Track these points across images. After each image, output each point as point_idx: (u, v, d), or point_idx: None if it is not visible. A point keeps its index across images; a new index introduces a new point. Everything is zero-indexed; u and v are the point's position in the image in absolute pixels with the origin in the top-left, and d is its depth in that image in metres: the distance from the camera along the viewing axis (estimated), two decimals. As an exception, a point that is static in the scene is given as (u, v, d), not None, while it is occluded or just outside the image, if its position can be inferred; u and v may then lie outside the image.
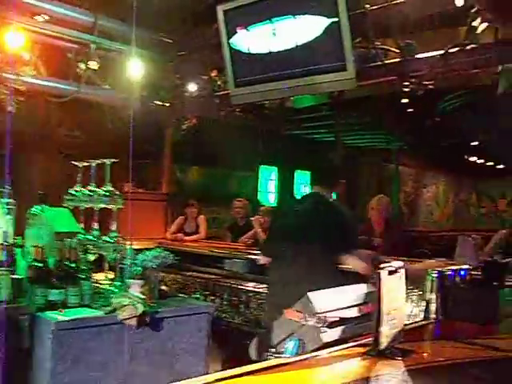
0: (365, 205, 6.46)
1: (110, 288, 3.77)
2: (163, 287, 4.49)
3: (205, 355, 3.94)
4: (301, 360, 2.28)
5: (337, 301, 2.60)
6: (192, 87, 7.52)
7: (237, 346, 4.46)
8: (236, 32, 6.31)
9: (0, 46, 5.82)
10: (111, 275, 3.93)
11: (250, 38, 6.27)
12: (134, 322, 3.40)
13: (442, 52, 5.22)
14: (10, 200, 3.81)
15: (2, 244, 3.34)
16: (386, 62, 5.56)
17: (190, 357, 3.84)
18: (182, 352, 3.80)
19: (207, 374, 2.07)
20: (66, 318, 3.33)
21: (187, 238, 7.43)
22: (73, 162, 4.25)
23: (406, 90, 5.84)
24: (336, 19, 5.39)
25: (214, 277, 6.10)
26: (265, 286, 4.89)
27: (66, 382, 3.28)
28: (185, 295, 5.31)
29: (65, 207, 4.12)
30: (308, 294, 2.48)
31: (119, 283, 3.79)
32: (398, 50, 5.49)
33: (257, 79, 6.43)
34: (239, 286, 5.62)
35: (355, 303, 2.64)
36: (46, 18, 6.13)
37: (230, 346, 5.01)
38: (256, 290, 5.44)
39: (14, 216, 3.80)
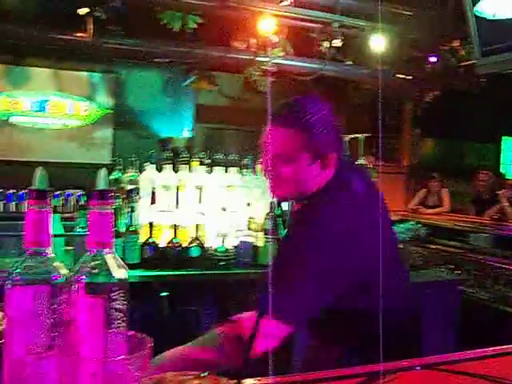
0: None
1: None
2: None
3: (454, 330, 3.93)
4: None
5: None
6: (433, 59, 7.38)
7: (485, 324, 4.37)
8: (481, -3, 6.05)
9: (253, 33, 6.27)
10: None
11: (496, 2, 5.97)
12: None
13: None
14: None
15: (269, 213, 3.65)
16: None
17: (438, 331, 3.86)
18: (431, 326, 3.83)
19: (456, 351, 2.04)
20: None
21: (430, 210, 7.37)
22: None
23: None
24: None
25: (459, 251, 6.00)
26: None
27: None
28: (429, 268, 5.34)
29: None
30: None
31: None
32: None
33: (505, 47, 6.10)
34: (487, 262, 5.48)
35: None
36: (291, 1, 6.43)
37: (478, 323, 4.92)
38: (505, 266, 5.26)
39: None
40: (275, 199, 3.71)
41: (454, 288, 4.27)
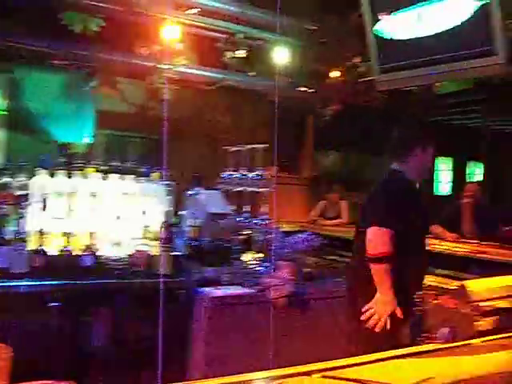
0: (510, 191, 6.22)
1: (259, 268, 3.91)
2: (308, 269, 4.62)
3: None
4: (453, 347, 2.28)
5: (492, 290, 2.56)
6: (335, 74, 7.56)
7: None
8: (380, 19, 6.26)
9: (157, 40, 6.19)
10: (260, 256, 4.08)
11: (395, 24, 6.19)
12: (282, 301, 3.53)
13: None
14: (170, 182, 4.06)
15: (164, 222, 3.59)
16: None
17: (335, 338, 3.91)
18: (329, 333, 3.88)
19: (354, 356, 2.10)
20: (220, 294, 3.53)
21: (329, 222, 7.48)
22: (224, 147, 4.43)
23: None
24: (487, 0, 5.18)
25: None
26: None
27: (217, 352, 3.48)
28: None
29: (217, 189, 4.32)
30: (464, 282, 2.47)
31: (268, 264, 3.93)
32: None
33: (402, 65, 6.34)
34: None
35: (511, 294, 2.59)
36: (198, 10, 6.41)
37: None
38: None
39: (173, 197, 4.06)
40: (170, 208, 3.67)
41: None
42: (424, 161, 3.20)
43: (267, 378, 1.73)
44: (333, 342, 3.82)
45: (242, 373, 1.72)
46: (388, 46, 6.34)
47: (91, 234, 3.53)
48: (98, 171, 3.83)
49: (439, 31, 5.72)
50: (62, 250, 3.44)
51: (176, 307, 3.58)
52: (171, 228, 3.63)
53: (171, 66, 6.28)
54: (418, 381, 1.69)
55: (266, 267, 3.89)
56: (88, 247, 3.49)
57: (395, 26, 6.18)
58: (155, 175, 3.95)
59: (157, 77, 6.38)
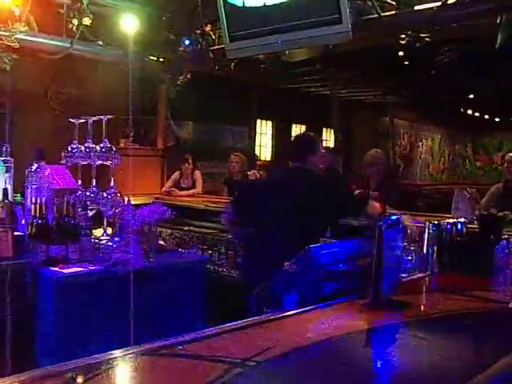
0: (360, 159, 6.49)
1: (109, 244, 3.80)
2: (161, 242, 4.56)
3: (203, 309, 4.02)
4: (300, 313, 2.33)
5: (336, 254, 2.64)
6: (186, 42, 7.43)
7: (235, 300, 4.51)
8: (230, -15, 6.21)
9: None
10: (110, 231, 3.97)
11: (245, -10, 6.18)
12: (133, 276, 3.45)
13: (439, 3, 5.15)
14: (8, 158, 3.82)
15: (2, 202, 3.36)
16: (383, 14, 5.49)
17: (188, 311, 3.91)
18: (181, 306, 3.87)
19: (206, 327, 2.09)
20: (67, 273, 3.38)
21: (183, 192, 7.46)
22: (70, 120, 4.23)
23: (403, 42, 5.79)
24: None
25: (210, 231, 6.16)
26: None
27: (67, 334, 3.36)
28: (182, 249, 5.39)
29: (63, 164, 4.13)
30: (308, 246, 2.53)
31: (118, 239, 3.83)
32: (394, 2, 5.42)
33: (252, 33, 6.34)
34: (235, 240, 5.67)
35: (355, 256, 2.69)
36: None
37: (228, 300, 5.08)
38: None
39: (12, 174, 3.82)
40: (8, 186, 3.44)
41: (203, 267, 4.37)
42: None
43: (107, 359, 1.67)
44: (187, 316, 3.84)
45: (95, 353, 1.66)
46: (238, 13, 6.32)
47: None
48: None
49: (288, -1, 5.78)
50: None
51: (22, 289, 3.41)
52: (12, 206, 3.42)
53: (9, 33, 5.86)
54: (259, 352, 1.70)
55: (117, 242, 3.79)
56: None
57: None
58: None
59: (-6, 45, 5.93)
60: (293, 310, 2.39)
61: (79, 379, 1.55)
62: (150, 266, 3.65)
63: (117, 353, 1.69)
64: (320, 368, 1.70)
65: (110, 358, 1.66)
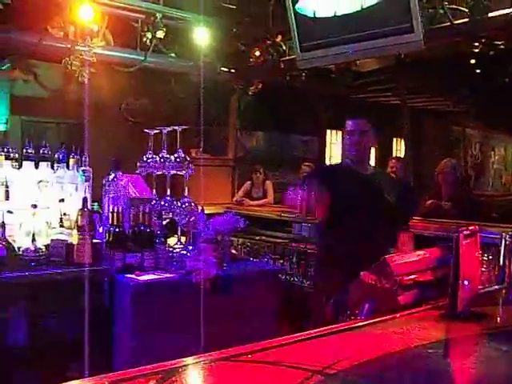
0: (432, 169, 6.36)
1: (183, 252, 3.86)
2: (233, 251, 4.60)
3: (275, 317, 4.02)
4: (376, 322, 2.30)
5: (413, 264, 2.60)
6: (257, 53, 7.50)
7: (306, 309, 4.51)
8: (301, -4, 6.25)
9: (72, 20, 5.97)
10: (184, 239, 4.03)
11: (316, 1, 6.20)
12: (207, 284, 3.50)
13: (514, 10, 5.00)
14: (87, 168, 3.95)
15: (82, 210, 3.48)
16: (455, 22, 5.38)
17: (261, 319, 3.93)
18: (253, 314, 3.88)
19: (279, 336, 2.10)
20: (143, 280, 3.46)
21: (254, 202, 7.51)
22: (144, 130, 4.33)
23: (476, 50, 5.66)
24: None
25: (282, 241, 6.17)
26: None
27: (143, 340, 3.43)
28: (253, 259, 5.43)
29: (138, 174, 4.23)
30: (384, 257, 2.50)
31: (192, 247, 3.88)
32: (467, 10, 5.30)
33: (322, 43, 6.35)
34: (308, 250, 5.66)
35: (431, 266, 2.64)
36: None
37: (299, 309, 5.08)
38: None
39: (91, 183, 3.95)
40: (88, 195, 3.55)
41: (276, 277, 4.38)
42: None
43: (186, 364, 1.70)
44: (259, 325, 3.85)
45: (169, 359, 1.70)
46: (309, 24, 6.34)
47: (4, 224, 3.38)
48: (11, 159, 3.68)
49: (359, 8, 5.76)
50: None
51: (100, 295, 3.51)
52: (91, 215, 3.52)
53: (87, 48, 6.07)
54: (338, 360, 1.69)
55: (190, 250, 3.84)
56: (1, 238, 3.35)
57: (316, 4, 6.19)
58: (72, 161, 3.83)
59: (73, 58, 6.15)
60: (369, 319, 2.37)
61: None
62: (223, 274, 3.69)
63: (190, 359, 1.72)
64: (398, 378, 1.68)
65: (185, 364, 1.68)
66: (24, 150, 3.80)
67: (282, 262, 5.84)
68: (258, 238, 6.33)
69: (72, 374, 3.19)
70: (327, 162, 13.67)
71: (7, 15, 5.85)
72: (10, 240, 3.41)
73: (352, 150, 3.81)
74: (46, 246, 3.50)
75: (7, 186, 3.54)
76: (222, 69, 7.65)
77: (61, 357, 3.36)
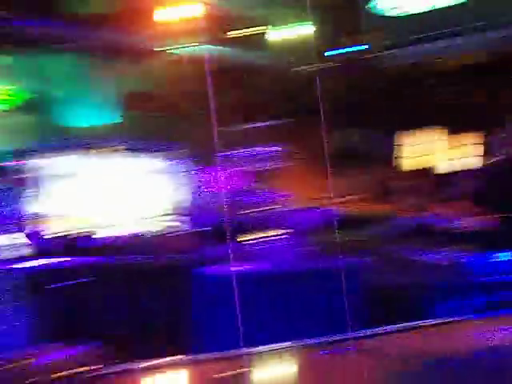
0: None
1: (278, 244, 3.90)
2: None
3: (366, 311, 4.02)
4: (465, 320, 2.28)
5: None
6: (340, 52, 7.45)
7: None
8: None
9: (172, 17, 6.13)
10: (278, 232, 4.04)
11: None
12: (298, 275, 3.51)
13: None
14: (193, 160, 4.03)
15: (188, 200, 3.60)
16: None
17: (353, 310, 3.91)
18: (345, 305, 3.88)
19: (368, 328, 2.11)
20: (238, 271, 3.49)
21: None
22: (241, 124, 4.38)
23: None
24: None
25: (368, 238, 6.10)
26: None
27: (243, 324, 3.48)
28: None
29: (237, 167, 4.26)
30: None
31: (288, 239, 3.92)
32: None
33: (405, 41, 6.33)
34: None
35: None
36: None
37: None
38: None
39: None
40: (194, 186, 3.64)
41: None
42: None
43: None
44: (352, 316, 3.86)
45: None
46: (394, 21, 6.32)
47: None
48: (123, 151, 3.85)
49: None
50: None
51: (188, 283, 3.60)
52: (196, 205, 3.63)
53: (189, 44, 6.23)
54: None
55: (285, 242, 3.90)
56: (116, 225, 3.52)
57: (398, 2, 6.17)
58: (179, 153, 3.94)
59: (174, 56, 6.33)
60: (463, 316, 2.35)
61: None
62: (317, 266, 3.75)
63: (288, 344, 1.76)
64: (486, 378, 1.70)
65: (280, 348, 1.73)
66: (137, 143, 3.96)
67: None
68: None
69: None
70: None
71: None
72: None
73: None
74: (158, 235, 3.64)
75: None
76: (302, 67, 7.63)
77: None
